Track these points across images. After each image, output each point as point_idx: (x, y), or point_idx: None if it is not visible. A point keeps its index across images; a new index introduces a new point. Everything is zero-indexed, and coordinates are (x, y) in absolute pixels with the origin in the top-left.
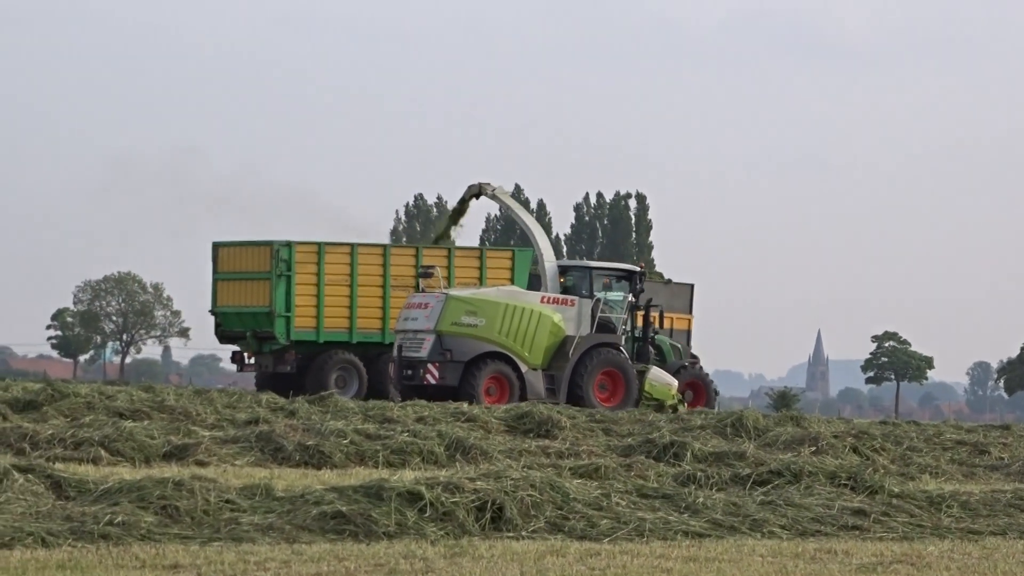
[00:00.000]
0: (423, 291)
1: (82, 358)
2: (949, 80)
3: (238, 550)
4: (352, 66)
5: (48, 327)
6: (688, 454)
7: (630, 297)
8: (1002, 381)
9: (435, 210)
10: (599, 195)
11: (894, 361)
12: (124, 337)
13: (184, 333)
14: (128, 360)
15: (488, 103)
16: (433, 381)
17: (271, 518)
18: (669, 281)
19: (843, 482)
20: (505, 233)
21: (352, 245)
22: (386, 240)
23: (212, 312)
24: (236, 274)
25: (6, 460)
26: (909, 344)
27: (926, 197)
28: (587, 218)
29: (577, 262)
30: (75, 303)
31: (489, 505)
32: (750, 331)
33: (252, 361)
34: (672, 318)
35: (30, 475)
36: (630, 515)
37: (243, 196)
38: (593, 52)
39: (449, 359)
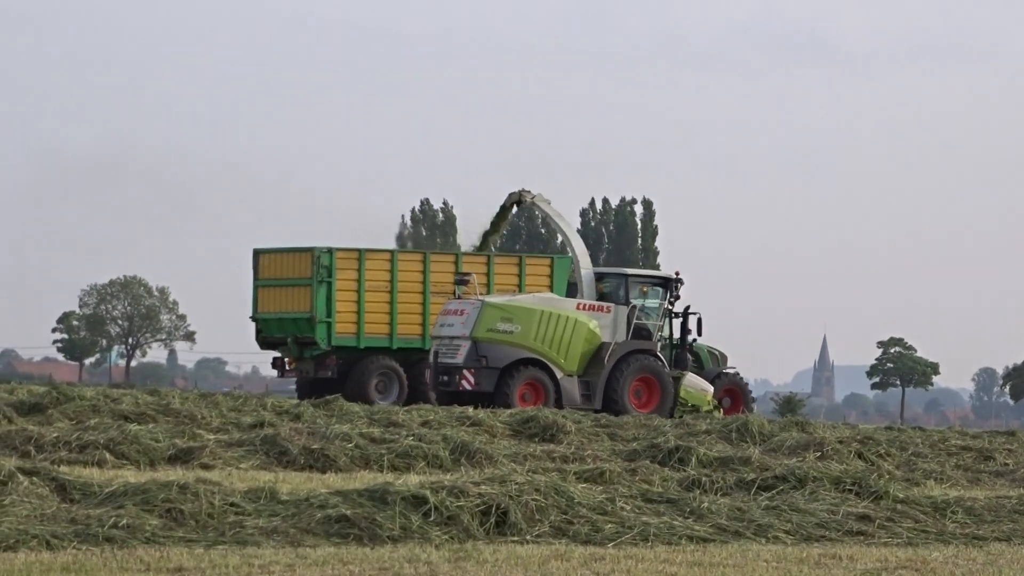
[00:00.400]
0: (459, 298)
1: (87, 361)
2: (953, 84)
3: (242, 553)
4: (355, 68)
5: (54, 330)
6: (693, 459)
7: (666, 304)
8: (1008, 387)
9: (441, 215)
10: (605, 200)
11: (900, 367)
12: (129, 340)
13: (190, 337)
14: (133, 364)
15: (494, 109)
16: (469, 387)
17: (275, 521)
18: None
19: (848, 487)
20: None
21: (392, 251)
22: (392, 245)
23: (253, 318)
24: (277, 280)
25: (11, 463)
26: (915, 350)
27: (932, 202)
28: (593, 224)
29: (614, 269)
30: (81, 306)
31: (493, 509)
32: (756, 336)
33: (293, 367)
34: None
35: (35, 478)
36: (634, 520)
37: (239, 198)
38: (598, 58)
39: (485, 365)
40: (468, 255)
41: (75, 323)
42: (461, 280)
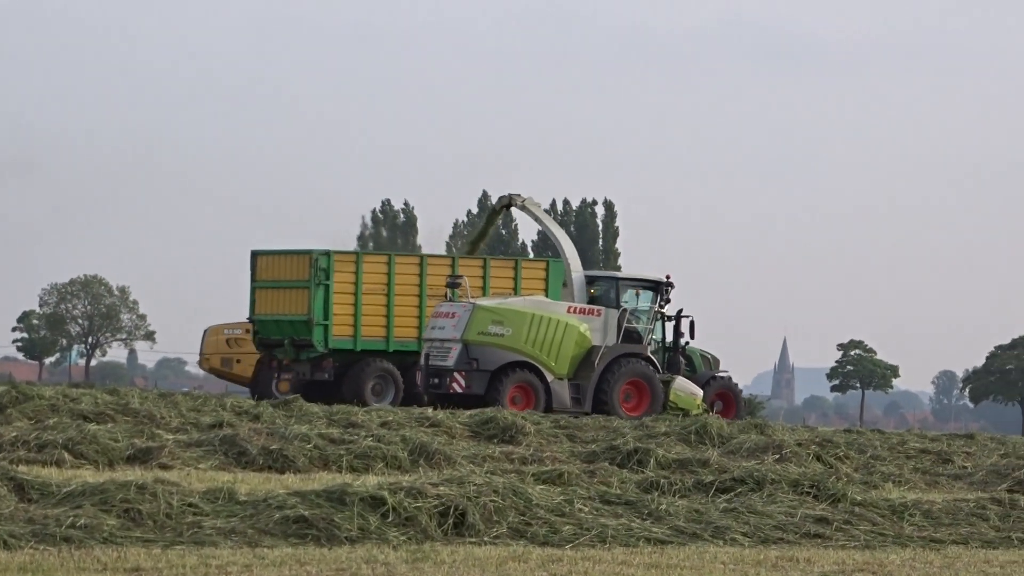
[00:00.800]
0: (451, 300)
1: (47, 361)
2: (920, 91)
3: (200, 554)
4: (316, 68)
5: (14, 329)
6: (652, 461)
7: (656, 307)
8: (967, 390)
9: (402, 216)
10: (566, 201)
11: (859, 369)
12: (90, 340)
13: (150, 336)
14: (94, 363)
15: (454, 109)
16: (459, 390)
17: (234, 522)
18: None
19: (806, 490)
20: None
21: (389, 255)
22: (354, 246)
23: (250, 319)
24: (274, 282)
25: None
26: (875, 352)
27: (893, 206)
28: None
29: (605, 272)
30: (41, 306)
31: (452, 510)
32: (716, 338)
33: (287, 369)
34: None
35: None
36: (593, 521)
37: (208, 199)
38: (560, 58)
39: (475, 368)
40: (464, 259)
41: (35, 322)
42: (453, 283)
